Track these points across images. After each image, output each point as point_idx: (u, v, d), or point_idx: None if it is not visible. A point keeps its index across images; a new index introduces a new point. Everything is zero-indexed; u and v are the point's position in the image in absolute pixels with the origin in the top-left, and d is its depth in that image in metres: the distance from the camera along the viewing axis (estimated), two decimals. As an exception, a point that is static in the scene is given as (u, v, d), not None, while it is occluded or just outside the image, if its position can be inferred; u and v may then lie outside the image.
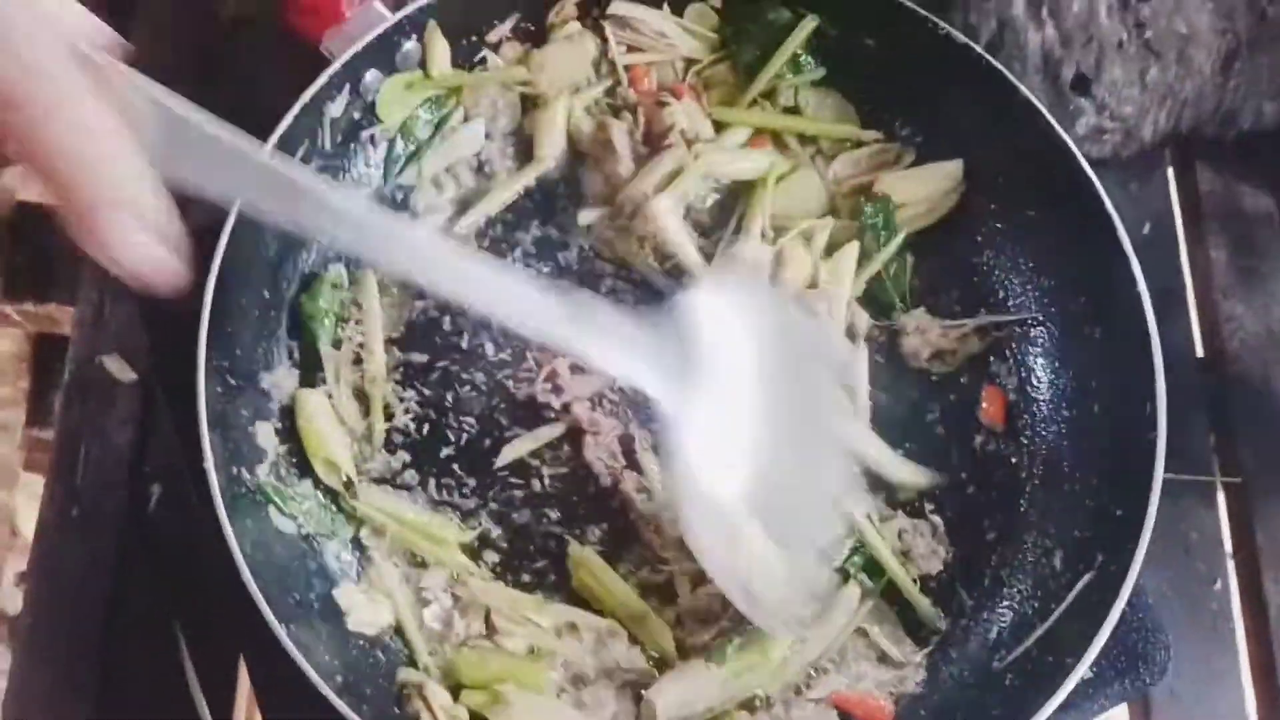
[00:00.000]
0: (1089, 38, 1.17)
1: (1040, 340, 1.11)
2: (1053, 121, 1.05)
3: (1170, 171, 1.28)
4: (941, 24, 1.08)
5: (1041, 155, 1.07)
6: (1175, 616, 1.06)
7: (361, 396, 1.03)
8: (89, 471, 1.09)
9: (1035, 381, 1.10)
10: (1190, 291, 1.23)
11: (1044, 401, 1.09)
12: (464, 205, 1.11)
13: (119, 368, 1.12)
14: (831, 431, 0.93)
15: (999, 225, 1.13)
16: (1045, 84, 1.18)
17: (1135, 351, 0.99)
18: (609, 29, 1.13)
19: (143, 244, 0.66)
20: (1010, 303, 1.12)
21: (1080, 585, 0.96)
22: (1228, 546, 1.13)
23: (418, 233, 0.95)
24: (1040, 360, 1.10)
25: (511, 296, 0.78)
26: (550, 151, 1.11)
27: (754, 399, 0.87)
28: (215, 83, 1.19)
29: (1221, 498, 1.14)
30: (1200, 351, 1.21)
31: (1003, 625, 1.00)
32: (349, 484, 1.00)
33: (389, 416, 1.04)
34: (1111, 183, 1.02)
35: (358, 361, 1.04)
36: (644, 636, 0.96)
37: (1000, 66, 1.08)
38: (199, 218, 1.02)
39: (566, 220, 1.12)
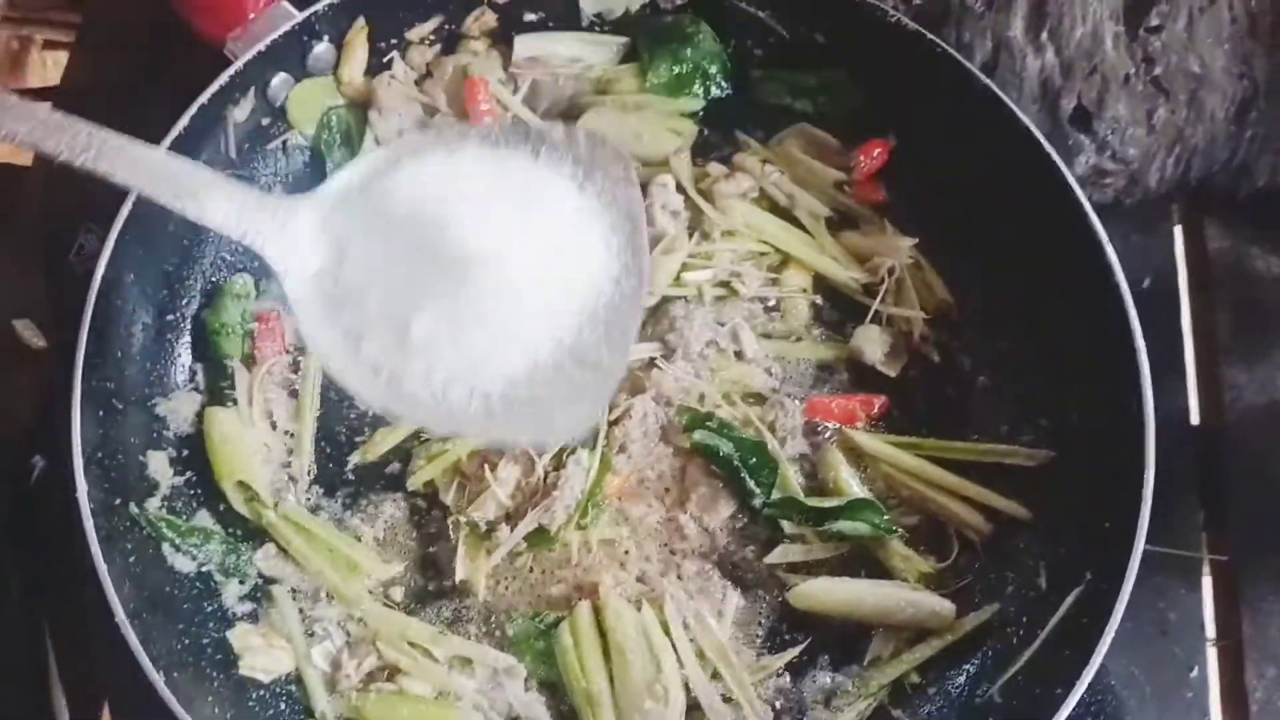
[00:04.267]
0: (1093, 68, 1.05)
1: (1009, 347, 1.01)
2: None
3: (1177, 226, 1.15)
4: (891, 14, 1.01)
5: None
6: (1144, 704, 0.95)
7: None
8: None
9: (1005, 389, 1.00)
10: (1190, 355, 1.10)
11: (1017, 412, 0.99)
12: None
13: (31, 334, 1.04)
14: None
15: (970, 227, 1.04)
16: (1042, 115, 1.04)
17: (1117, 353, 0.90)
18: (515, 68, 1.07)
19: None
20: (977, 306, 1.03)
21: (1068, 603, 0.86)
22: (1210, 631, 1.00)
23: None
24: (1010, 367, 1.00)
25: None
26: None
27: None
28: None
29: (1207, 578, 1.02)
30: (1196, 419, 1.08)
31: (986, 654, 0.90)
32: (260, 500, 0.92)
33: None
34: (1112, 231, 0.93)
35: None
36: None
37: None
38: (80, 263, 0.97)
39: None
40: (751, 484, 0.94)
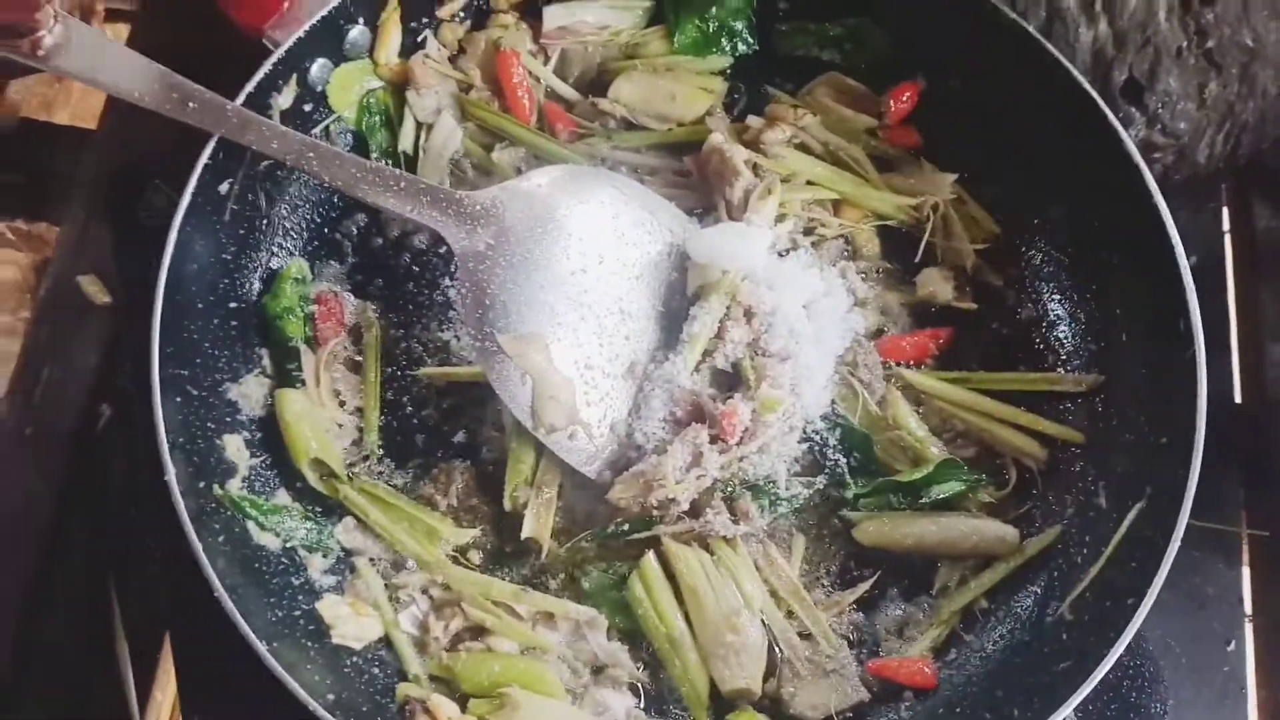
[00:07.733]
0: (1145, 40, 1.04)
1: (1053, 274, 1.04)
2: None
3: (1225, 204, 1.16)
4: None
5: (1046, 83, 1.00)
6: (1181, 676, 0.96)
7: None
8: (49, 390, 1.04)
9: (1054, 318, 1.03)
10: (1234, 333, 1.11)
11: (1066, 339, 1.02)
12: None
13: (96, 290, 1.07)
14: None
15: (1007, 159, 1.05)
16: (1094, 86, 1.01)
17: (1159, 268, 0.92)
18: (545, 39, 1.09)
19: None
20: (1016, 239, 1.05)
21: (1130, 519, 0.88)
22: (1248, 607, 1.01)
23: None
24: (1056, 296, 1.03)
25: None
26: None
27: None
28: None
29: (1246, 554, 1.03)
30: (1239, 397, 1.09)
31: (1052, 575, 0.93)
32: (336, 475, 0.94)
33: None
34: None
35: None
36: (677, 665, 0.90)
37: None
38: (148, 218, 1.00)
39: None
40: (849, 477, 0.96)
